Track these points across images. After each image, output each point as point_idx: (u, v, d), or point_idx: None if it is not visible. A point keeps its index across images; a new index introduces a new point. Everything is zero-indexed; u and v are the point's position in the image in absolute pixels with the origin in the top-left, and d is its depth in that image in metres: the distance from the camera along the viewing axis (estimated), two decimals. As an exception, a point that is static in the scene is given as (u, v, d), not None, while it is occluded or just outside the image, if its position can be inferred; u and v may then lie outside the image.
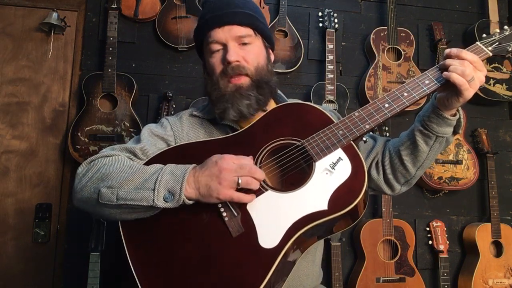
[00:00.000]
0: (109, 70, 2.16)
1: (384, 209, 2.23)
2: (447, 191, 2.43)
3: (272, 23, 2.42)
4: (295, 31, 2.43)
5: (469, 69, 0.95)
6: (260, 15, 1.13)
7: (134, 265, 0.91)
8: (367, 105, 1.02)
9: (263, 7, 2.43)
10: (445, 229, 2.30)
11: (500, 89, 2.43)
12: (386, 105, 1.00)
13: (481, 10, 2.67)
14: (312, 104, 1.07)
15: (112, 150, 1.07)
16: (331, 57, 2.35)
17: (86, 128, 2.10)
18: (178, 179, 0.90)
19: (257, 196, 0.93)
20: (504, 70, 2.47)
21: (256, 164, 0.97)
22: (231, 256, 0.89)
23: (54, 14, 2.21)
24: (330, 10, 2.43)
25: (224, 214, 0.91)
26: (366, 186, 0.92)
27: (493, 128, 2.56)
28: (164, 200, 0.89)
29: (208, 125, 1.16)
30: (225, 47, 1.07)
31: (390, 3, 2.46)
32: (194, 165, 0.95)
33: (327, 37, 2.37)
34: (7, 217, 2.15)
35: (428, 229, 2.32)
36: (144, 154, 1.06)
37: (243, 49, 1.07)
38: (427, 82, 1.00)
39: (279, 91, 1.22)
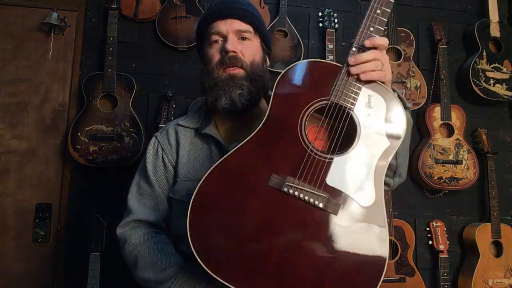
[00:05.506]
0: (109, 70, 2.16)
1: (384, 209, 2.23)
2: (447, 191, 2.43)
3: (272, 23, 2.41)
4: (295, 31, 2.43)
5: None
6: (261, 20, 1.18)
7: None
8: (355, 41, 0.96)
9: (263, 7, 2.42)
10: (445, 229, 2.30)
11: (500, 89, 2.43)
12: (371, 29, 0.95)
13: (481, 10, 2.67)
14: (309, 60, 1.00)
15: (134, 230, 1.16)
16: (331, 57, 2.35)
17: (86, 128, 2.10)
18: None
19: (325, 168, 0.90)
20: (504, 70, 2.47)
21: (302, 139, 0.92)
22: (346, 231, 0.88)
23: (54, 14, 2.21)
24: (330, 10, 2.42)
25: (316, 202, 0.88)
26: (402, 106, 0.95)
27: (493, 128, 2.55)
28: None
29: (191, 135, 1.18)
30: (225, 39, 1.10)
31: (390, 3, 2.45)
32: None
33: (327, 37, 2.37)
34: (7, 217, 2.15)
35: (428, 229, 2.32)
36: (158, 210, 1.17)
37: (241, 43, 1.11)
38: None
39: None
